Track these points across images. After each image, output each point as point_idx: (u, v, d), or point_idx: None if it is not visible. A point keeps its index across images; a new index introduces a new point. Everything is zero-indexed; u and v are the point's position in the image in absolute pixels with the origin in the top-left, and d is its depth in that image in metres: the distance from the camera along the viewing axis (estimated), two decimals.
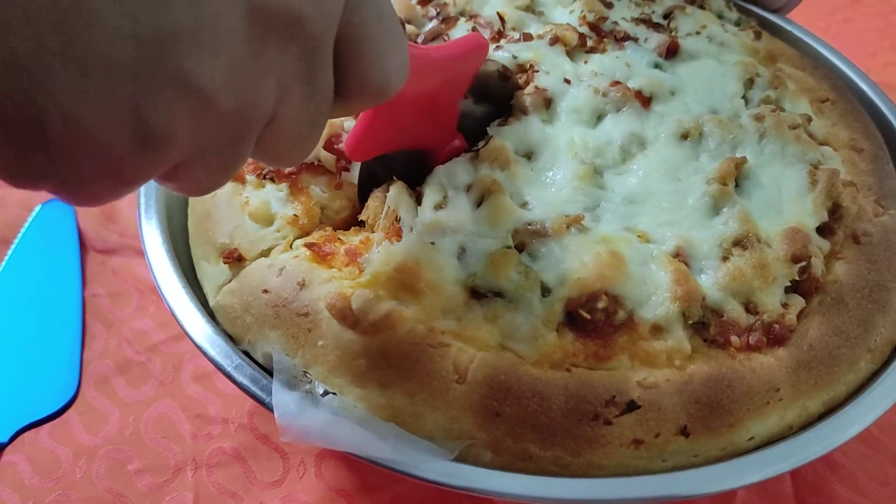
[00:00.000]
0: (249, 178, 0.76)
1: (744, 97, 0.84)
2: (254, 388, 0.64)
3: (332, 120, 0.75)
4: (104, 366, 0.91)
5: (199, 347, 0.68)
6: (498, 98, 0.80)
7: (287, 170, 0.75)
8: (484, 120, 0.80)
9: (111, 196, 0.41)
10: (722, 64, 0.87)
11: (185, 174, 0.43)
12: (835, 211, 0.74)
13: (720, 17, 0.99)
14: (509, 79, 0.82)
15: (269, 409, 0.62)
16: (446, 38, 0.88)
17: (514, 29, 0.90)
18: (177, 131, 0.38)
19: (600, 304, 0.63)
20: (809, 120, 0.83)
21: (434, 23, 0.91)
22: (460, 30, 0.89)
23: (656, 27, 0.94)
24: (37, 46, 0.32)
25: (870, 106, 0.93)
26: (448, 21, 0.89)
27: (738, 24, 1.00)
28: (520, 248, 0.67)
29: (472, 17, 0.91)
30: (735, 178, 0.73)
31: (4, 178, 0.37)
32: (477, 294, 0.65)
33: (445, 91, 0.70)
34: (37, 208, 1.07)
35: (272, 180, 0.75)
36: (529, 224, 0.68)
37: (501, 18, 0.91)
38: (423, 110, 0.68)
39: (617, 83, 0.80)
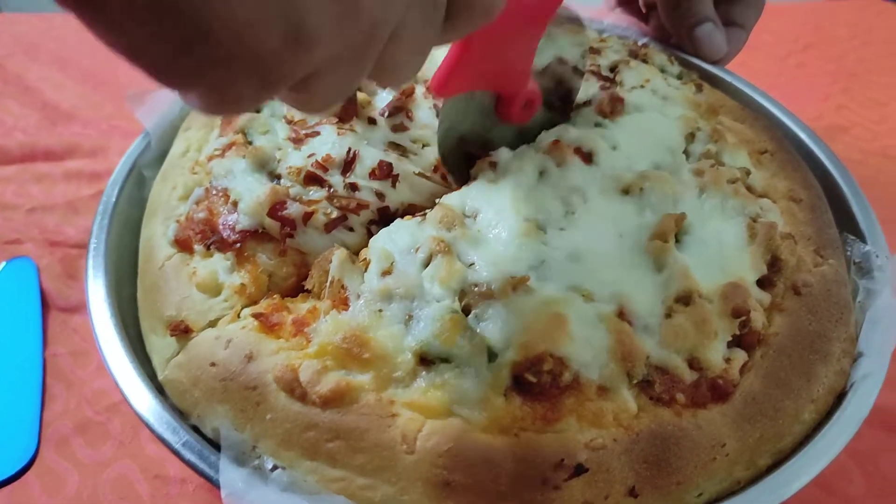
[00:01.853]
0: (197, 247, 0.76)
1: (685, 151, 0.86)
2: (202, 465, 0.64)
3: (277, 187, 0.76)
4: (63, 426, 0.90)
5: (146, 424, 0.67)
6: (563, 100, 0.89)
7: (231, 238, 0.75)
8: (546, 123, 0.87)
9: (253, 100, 0.44)
10: (665, 117, 0.89)
11: (315, 84, 0.46)
12: (774, 263, 0.75)
13: (662, 70, 1.02)
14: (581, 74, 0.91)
15: (218, 486, 0.61)
16: (409, 111, 0.89)
17: None
18: (324, 32, 0.40)
19: (546, 367, 0.63)
20: (748, 173, 0.85)
21: (389, 93, 0.91)
22: (420, 103, 0.90)
23: (605, 79, 0.96)
24: None
25: (808, 155, 0.95)
26: (406, 93, 0.90)
27: (679, 77, 1.02)
28: (466, 310, 0.68)
29: (426, 84, 0.92)
30: (676, 234, 0.74)
31: (160, 73, 0.40)
32: (425, 361, 0.65)
33: (526, 31, 0.73)
34: (0, 266, 1.06)
35: (218, 249, 0.75)
36: (476, 285, 0.68)
37: None
38: (505, 50, 0.72)
39: (557, 142, 0.82)
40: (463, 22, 0.52)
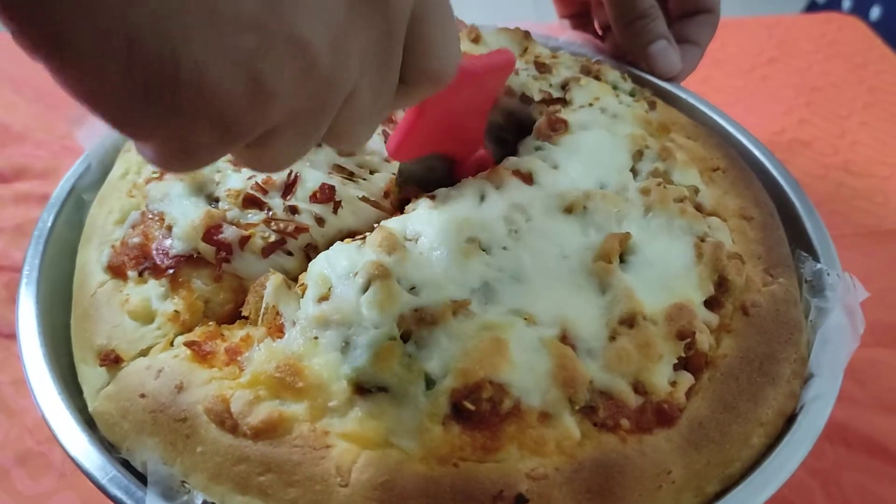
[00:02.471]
0: (131, 274, 0.74)
1: (632, 169, 0.85)
2: (129, 502, 0.61)
3: (212, 210, 0.74)
4: (4, 458, 0.87)
5: (73, 459, 0.64)
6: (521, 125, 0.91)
7: (165, 263, 0.72)
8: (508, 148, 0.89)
9: (211, 153, 0.44)
10: (613, 135, 0.88)
11: (271, 142, 0.47)
12: (721, 283, 0.74)
13: (615, 87, 1.01)
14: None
15: None
16: None
17: None
18: (283, 87, 0.42)
19: (485, 394, 0.61)
20: (697, 191, 0.83)
21: None
22: None
23: (553, 101, 0.95)
24: (182, 4, 0.36)
25: (763, 173, 0.94)
26: None
27: (632, 94, 1.01)
28: (406, 336, 0.65)
29: None
30: (622, 254, 0.73)
31: (121, 120, 0.41)
32: (362, 389, 0.63)
33: (478, 99, 0.77)
34: None
35: (152, 276, 0.73)
36: (416, 310, 0.66)
37: None
38: (458, 117, 0.76)
39: (494, 168, 0.80)
40: (416, 88, 0.54)
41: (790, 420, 0.70)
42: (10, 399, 0.94)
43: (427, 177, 0.82)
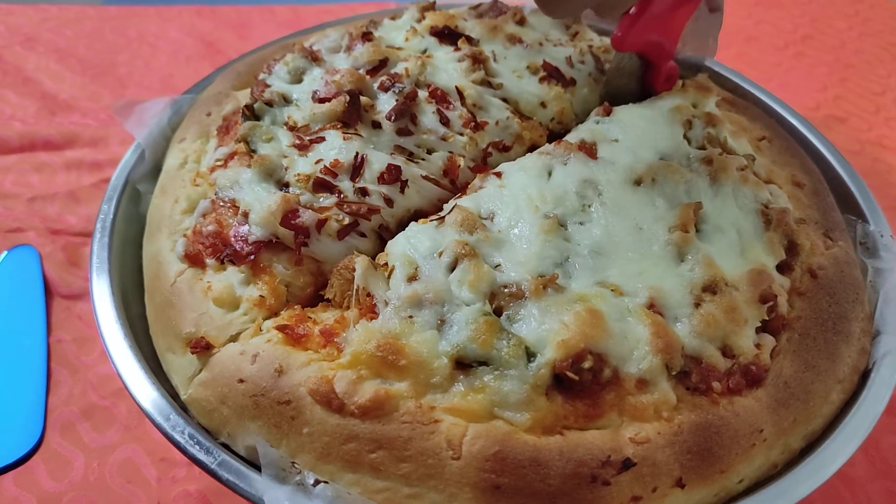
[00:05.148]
0: (209, 261, 0.74)
1: (685, 136, 0.86)
2: (241, 485, 0.62)
3: (288, 195, 0.74)
4: (69, 412, 0.90)
5: (177, 445, 0.65)
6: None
7: (245, 250, 0.73)
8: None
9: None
10: (658, 109, 0.90)
11: None
12: (791, 248, 0.76)
13: None
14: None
15: None
16: (414, 116, 0.86)
17: (474, 105, 0.90)
18: None
19: (586, 364, 0.63)
20: (753, 160, 0.86)
21: (391, 96, 0.89)
22: (423, 108, 0.88)
23: None
24: None
25: (804, 143, 0.97)
26: (410, 97, 0.87)
27: None
28: (497, 312, 0.67)
29: (429, 87, 0.90)
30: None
31: None
32: (461, 365, 0.64)
33: (682, 13, 0.92)
34: (2, 255, 1.06)
35: (232, 262, 0.73)
36: (505, 286, 0.68)
37: (460, 93, 0.90)
38: (667, 25, 0.92)
39: (559, 141, 0.82)
40: None
41: (863, 376, 0.73)
42: (73, 356, 0.96)
43: (627, 85, 0.97)
